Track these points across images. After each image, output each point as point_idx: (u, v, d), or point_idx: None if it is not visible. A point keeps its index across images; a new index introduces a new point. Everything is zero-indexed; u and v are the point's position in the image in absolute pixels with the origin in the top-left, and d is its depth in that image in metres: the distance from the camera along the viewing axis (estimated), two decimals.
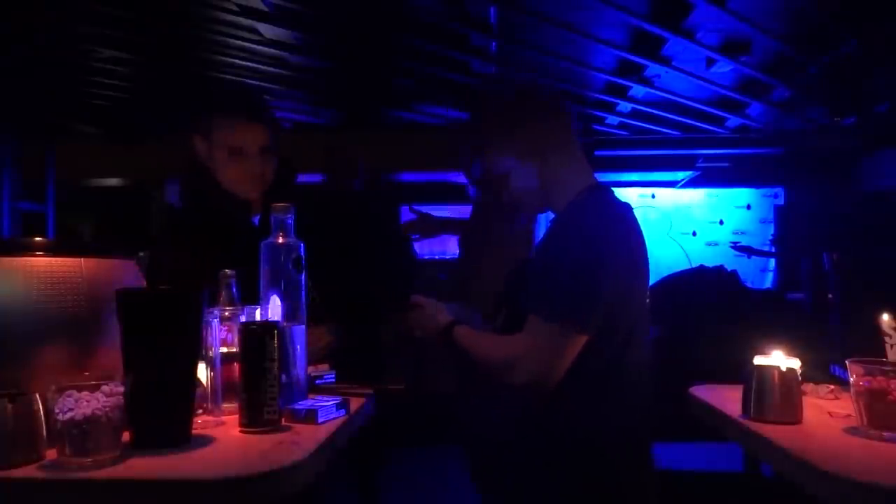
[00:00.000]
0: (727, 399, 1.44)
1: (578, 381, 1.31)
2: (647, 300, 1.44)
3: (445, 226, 2.92)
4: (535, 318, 1.31)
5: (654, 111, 4.79)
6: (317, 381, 1.41)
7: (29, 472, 0.89)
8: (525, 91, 1.50)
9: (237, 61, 3.88)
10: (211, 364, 1.18)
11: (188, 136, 1.77)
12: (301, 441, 1.05)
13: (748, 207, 6.11)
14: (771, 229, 5.98)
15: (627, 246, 1.37)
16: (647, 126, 5.17)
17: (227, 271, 1.30)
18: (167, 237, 1.94)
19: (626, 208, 1.43)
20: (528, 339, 1.32)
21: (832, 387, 1.51)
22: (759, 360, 1.33)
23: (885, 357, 1.24)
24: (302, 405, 1.20)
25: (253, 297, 1.28)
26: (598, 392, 1.35)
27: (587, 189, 1.44)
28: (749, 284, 4.75)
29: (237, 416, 1.12)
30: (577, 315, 1.29)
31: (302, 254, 1.30)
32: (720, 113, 4.83)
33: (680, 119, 4.94)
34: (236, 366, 1.14)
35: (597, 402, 1.34)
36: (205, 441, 1.04)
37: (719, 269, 4.25)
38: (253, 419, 1.10)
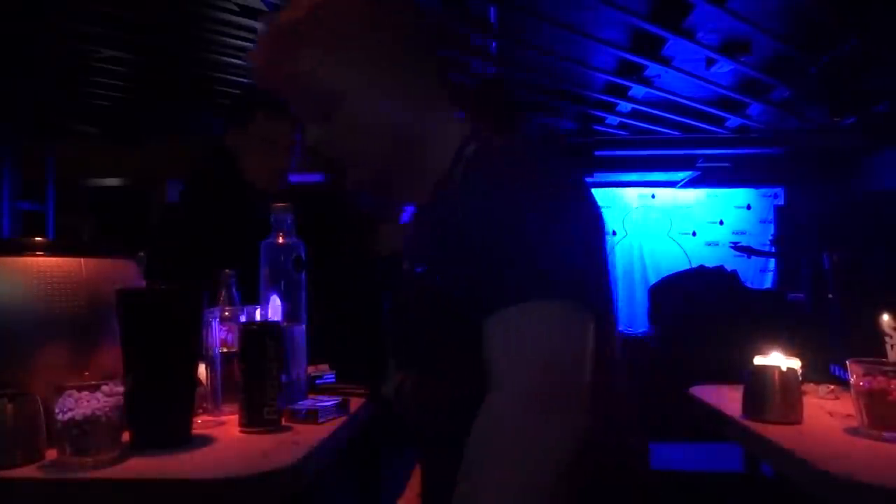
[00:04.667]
0: (727, 399, 1.44)
1: None
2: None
3: None
4: (526, 306, 0.79)
5: (654, 111, 4.79)
6: (317, 381, 1.41)
7: (29, 472, 0.89)
8: None
9: (237, 61, 3.88)
10: (211, 364, 1.18)
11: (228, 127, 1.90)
12: (301, 441, 1.04)
13: (748, 207, 6.11)
14: (771, 229, 5.98)
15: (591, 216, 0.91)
16: (647, 126, 5.17)
17: (227, 271, 1.30)
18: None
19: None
20: (525, 344, 0.79)
21: (832, 387, 1.51)
22: (759, 360, 1.33)
23: (885, 357, 1.24)
24: (302, 405, 1.19)
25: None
26: None
27: (476, 140, 0.94)
28: (749, 284, 4.76)
29: (237, 416, 1.12)
30: (582, 288, 0.83)
31: (302, 254, 1.30)
32: (720, 113, 4.83)
33: (680, 119, 4.94)
34: (236, 366, 1.14)
35: None
36: (205, 441, 1.04)
37: (719, 269, 4.27)
38: (253, 419, 1.10)
